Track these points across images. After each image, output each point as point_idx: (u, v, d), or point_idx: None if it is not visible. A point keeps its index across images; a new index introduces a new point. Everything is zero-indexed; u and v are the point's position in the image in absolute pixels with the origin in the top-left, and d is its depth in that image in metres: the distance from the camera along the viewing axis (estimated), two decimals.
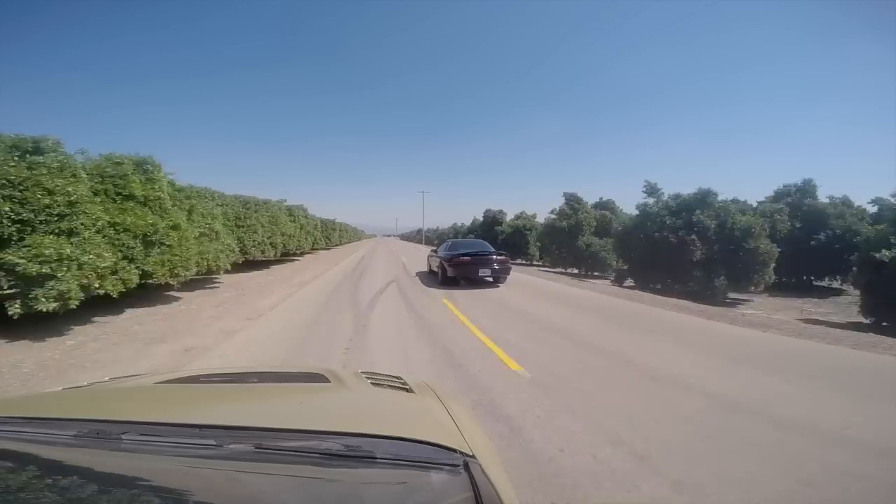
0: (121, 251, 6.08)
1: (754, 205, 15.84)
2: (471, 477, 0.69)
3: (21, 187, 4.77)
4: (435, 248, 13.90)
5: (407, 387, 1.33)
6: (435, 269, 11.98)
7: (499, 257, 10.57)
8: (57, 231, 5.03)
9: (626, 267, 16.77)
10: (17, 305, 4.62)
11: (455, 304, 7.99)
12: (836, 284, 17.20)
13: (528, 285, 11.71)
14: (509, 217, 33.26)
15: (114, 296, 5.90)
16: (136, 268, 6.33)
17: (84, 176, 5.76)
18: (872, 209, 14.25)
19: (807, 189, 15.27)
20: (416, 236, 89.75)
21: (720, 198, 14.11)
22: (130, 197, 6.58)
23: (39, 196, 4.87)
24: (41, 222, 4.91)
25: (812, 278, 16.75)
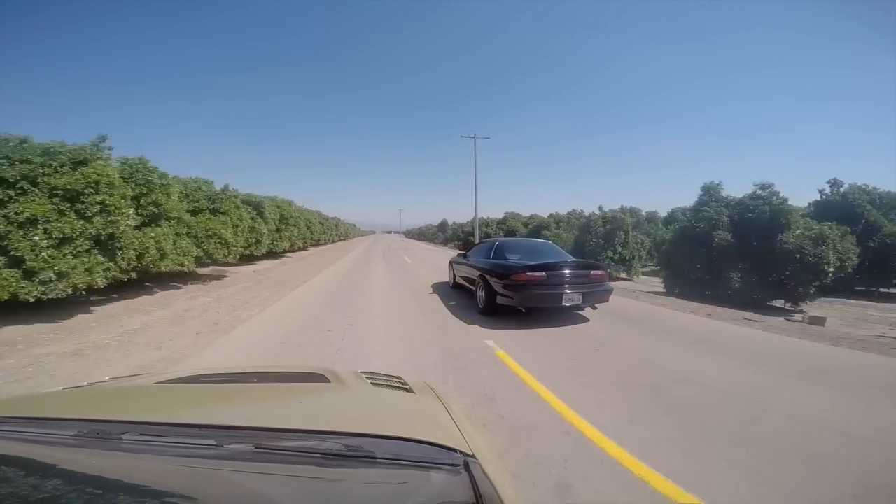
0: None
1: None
2: (471, 476, 0.69)
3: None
4: (464, 252, 8.61)
5: (407, 387, 1.33)
6: (462, 283, 7.76)
7: (595, 272, 5.78)
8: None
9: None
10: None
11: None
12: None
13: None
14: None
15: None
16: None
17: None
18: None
19: None
20: (437, 234, 56.38)
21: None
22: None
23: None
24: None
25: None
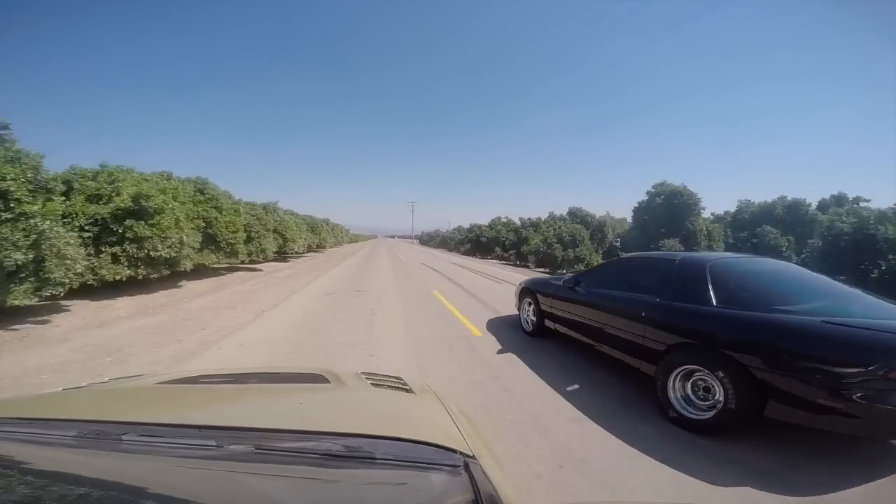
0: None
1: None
2: (471, 477, 0.69)
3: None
4: (572, 278, 4.50)
5: (407, 387, 1.33)
6: (565, 331, 4.46)
7: None
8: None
9: None
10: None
11: None
12: None
13: None
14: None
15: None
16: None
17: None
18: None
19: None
20: (551, 246, 19.70)
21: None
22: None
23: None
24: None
25: None
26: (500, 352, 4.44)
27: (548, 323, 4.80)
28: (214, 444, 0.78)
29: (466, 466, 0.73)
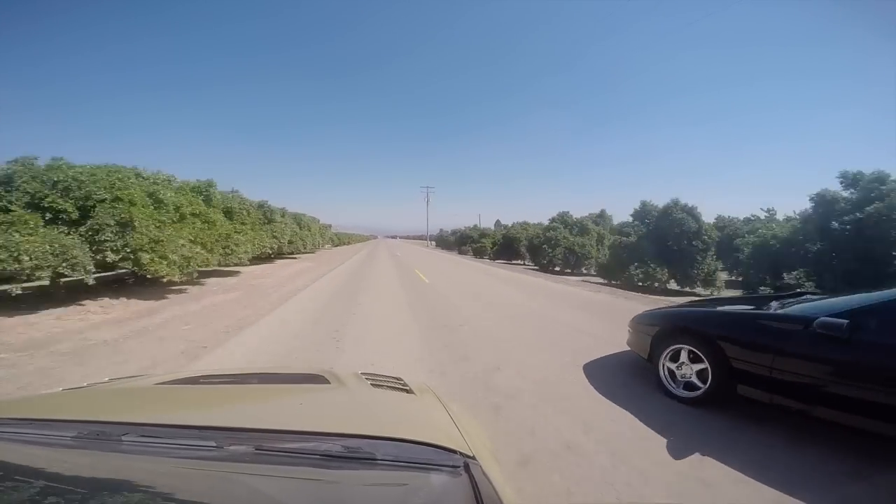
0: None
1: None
2: (471, 478, 0.69)
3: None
4: (828, 318, 2.21)
5: (407, 388, 1.33)
6: (751, 393, 2.57)
7: None
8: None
9: None
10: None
11: None
12: None
13: None
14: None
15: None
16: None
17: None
18: None
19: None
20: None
21: None
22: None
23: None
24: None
25: None
26: (675, 452, 2.30)
27: (745, 390, 2.67)
28: (214, 444, 0.78)
29: (467, 467, 0.73)
